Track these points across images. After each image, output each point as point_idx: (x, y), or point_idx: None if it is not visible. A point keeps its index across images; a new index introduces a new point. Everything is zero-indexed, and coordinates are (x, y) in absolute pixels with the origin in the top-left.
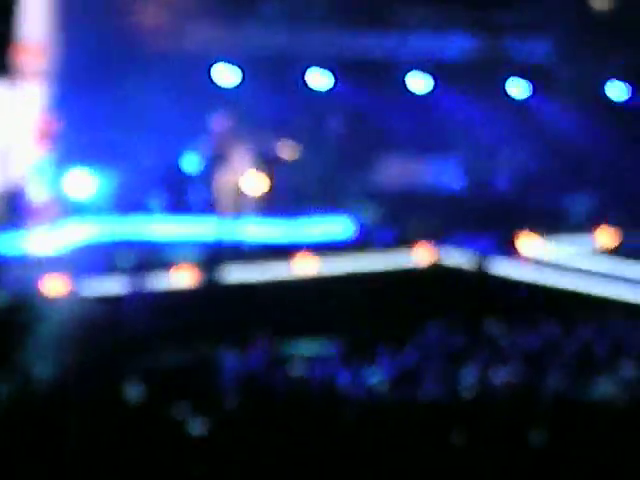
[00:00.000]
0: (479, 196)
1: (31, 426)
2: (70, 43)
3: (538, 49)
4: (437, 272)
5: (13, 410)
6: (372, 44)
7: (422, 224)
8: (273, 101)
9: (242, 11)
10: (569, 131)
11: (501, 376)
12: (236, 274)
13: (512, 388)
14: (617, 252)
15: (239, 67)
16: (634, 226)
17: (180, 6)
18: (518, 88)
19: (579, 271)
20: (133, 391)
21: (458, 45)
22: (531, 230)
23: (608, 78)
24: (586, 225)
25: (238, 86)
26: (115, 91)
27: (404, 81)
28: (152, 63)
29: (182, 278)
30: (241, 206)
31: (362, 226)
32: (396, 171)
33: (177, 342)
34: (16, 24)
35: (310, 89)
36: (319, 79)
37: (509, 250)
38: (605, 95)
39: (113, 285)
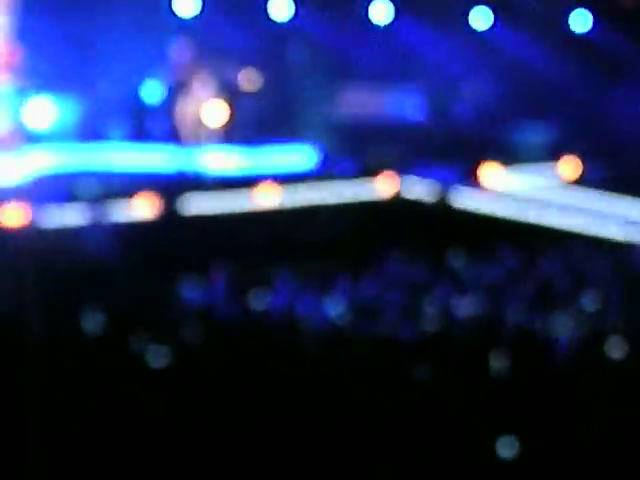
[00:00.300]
0: (441, 127)
1: None
2: None
3: None
4: (398, 203)
5: None
6: None
7: (383, 155)
8: (234, 30)
9: None
10: (532, 61)
11: (463, 308)
12: (197, 204)
13: (474, 320)
14: (580, 183)
15: None
16: (597, 157)
17: None
18: (481, 18)
19: (542, 202)
20: (92, 322)
21: None
22: (493, 161)
23: (571, 7)
24: (549, 156)
25: (199, 14)
26: (76, 19)
27: (366, 10)
28: None
29: (142, 208)
30: (202, 135)
31: (324, 156)
32: (358, 101)
33: (137, 273)
34: None
35: (271, 18)
36: (280, 8)
37: (471, 181)
38: (568, 25)
39: (73, 215)
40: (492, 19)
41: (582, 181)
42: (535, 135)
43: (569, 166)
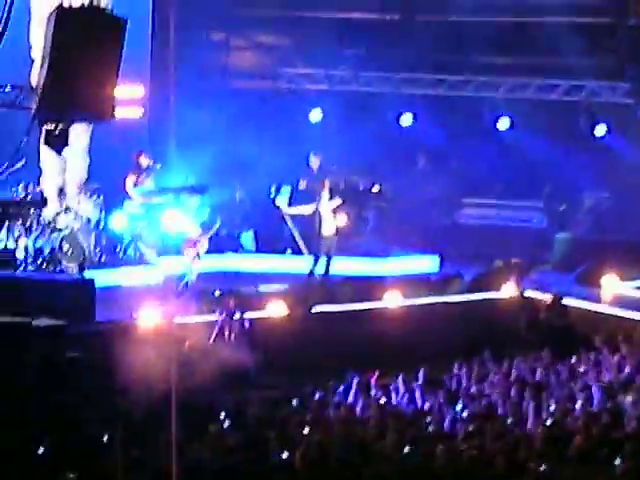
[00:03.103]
0: (560, 235)
1: None
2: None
3: (618, 91)
4: (519, 307)
5: None
6: (456, 84)
7: (505, 261)
8: (360, 139)
9: (332, 54)
10: None
11: (581, 407)
12: (325, 307)
13: (592, 418)
14: None
15: (326, 106)
16: None
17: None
18: (598, 128)
19: None
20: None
21: (539, 87)
22: (612, 267)
23: None
24: None
25: (328, 123)
26: (211, 133)
27: (488, 122)
28: (245, 102)
29: (274, 311)
30: (331, 240)
31: (446, 261)
32: (479, 210)
33: (269, 374)
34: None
35: (396, 128)
36: (404, 118)
37: (590, 286)
38: None
39: (206, 316)
40: (608, 128)
41: None
42: None
43: None
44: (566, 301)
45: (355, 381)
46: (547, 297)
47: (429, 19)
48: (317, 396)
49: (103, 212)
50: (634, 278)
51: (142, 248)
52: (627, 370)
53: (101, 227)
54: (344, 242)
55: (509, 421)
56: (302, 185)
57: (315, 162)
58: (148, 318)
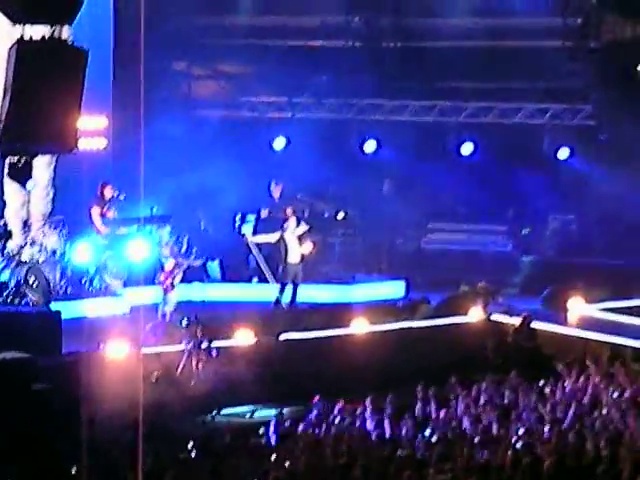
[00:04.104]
0: (526, 258)
1: None
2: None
3: (580, 113)
4: (486, 331)
5: None
6: (419, 109)
7: (471, 286)
8: (325, 166)
9: (295, 81)
10: (612, 192)
11: (550, 430)
12: (291, 334)
13: (561, 441)
14: None
15: (290, 133)
16: None
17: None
18: (562, 151)
19: (627, 328)
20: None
21: (502, 110)
22: (578, 290)
23: None
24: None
25: (290, 151)
26: (174, 163)
27: (452, 146)
28: (209, 131)
29: (241, 339)
30: (297, 268)
31: (412, 287)
32: (444, 234)
33: (237, 402)
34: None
35: (361, 154)
36: (368, 144)
37: (556, 309)
38: None
39: (173, 346)
40: (572, 150)
41: None
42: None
43: None
44: (534, 324)
45: (323, 408)
46: (515, 320)
47: (392, 45)
48: (286, 423)
49: (68, 244)
50: (600, 300)
51: (107, 279)
52: (594, 392)
53: (66, 259)
54: (310, 269)
55: (478, 445)
56: (264, 214)
57: (276, 191)
58: (115, 349)
